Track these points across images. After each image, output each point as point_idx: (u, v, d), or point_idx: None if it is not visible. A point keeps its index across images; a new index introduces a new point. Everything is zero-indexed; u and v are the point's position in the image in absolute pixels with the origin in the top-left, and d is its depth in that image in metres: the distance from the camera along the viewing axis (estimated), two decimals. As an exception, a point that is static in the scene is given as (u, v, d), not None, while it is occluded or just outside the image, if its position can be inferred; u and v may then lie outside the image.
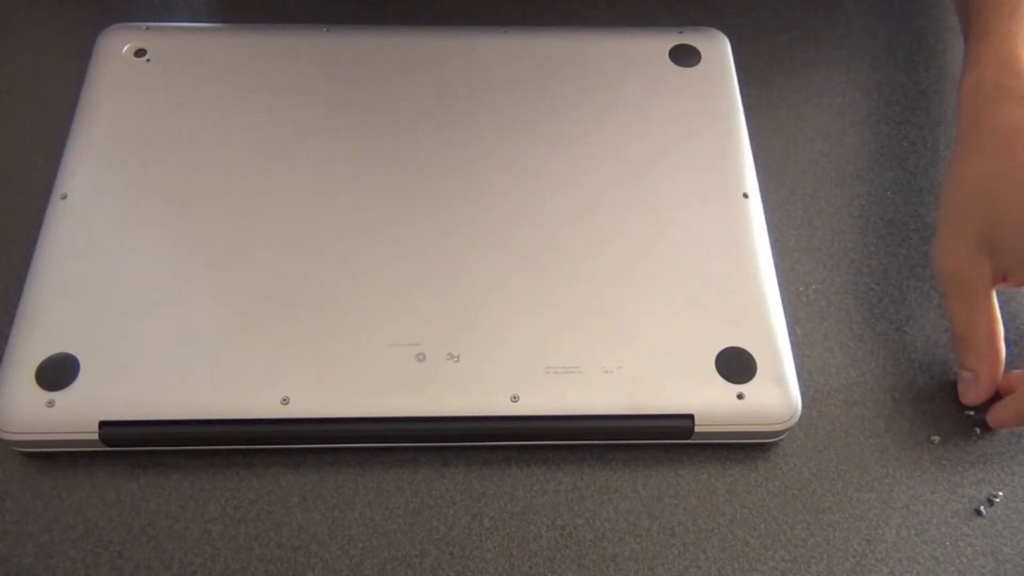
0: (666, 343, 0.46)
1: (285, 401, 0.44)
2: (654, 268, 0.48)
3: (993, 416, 0.47)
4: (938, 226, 0.48)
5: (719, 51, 0.57)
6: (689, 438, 0.46)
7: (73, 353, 0.45)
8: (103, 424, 0.44)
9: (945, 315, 0.50)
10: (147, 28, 0.56)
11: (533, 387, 0.45)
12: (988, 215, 0.46)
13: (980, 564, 0.45)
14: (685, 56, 0.57)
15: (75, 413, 0.44)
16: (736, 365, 0.46)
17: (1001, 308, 0.49)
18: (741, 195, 0.51)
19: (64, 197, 0.50)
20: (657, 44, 0.57)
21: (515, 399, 0.45)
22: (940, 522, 0.46)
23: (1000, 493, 0.46)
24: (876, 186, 0.56)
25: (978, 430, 0.48)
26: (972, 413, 0.48)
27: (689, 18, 0.61)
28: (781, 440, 0.47)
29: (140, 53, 0.55)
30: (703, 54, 0.57)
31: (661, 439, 0.46)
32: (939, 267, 0.48)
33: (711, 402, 0.45)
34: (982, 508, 0.46)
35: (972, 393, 0.47)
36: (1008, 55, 0.49)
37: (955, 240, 0.47)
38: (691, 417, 0.45)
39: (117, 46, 0.55)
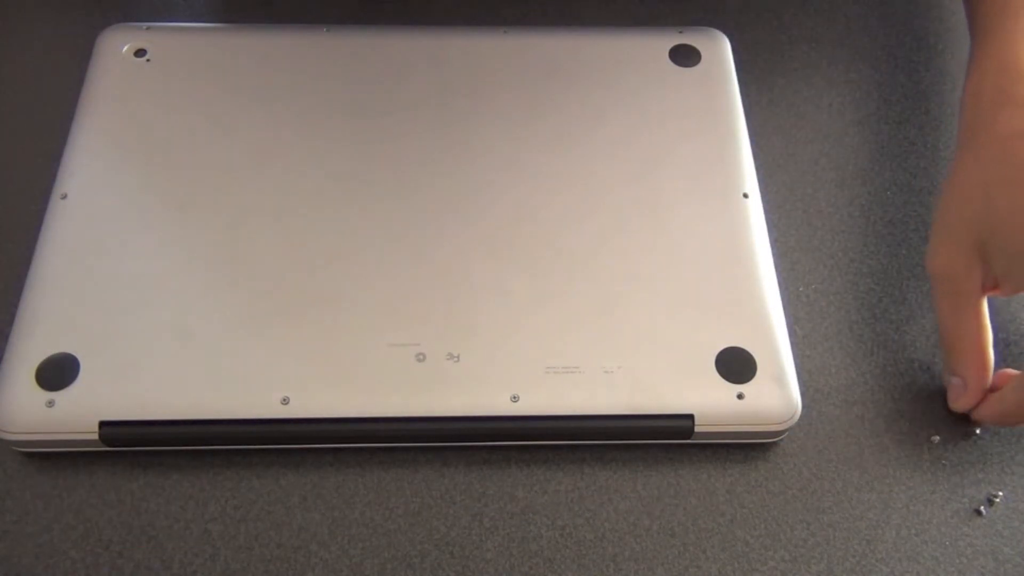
0: (666, 343, 0.46)
1: (285, 401, 0.44)
2: (654, 268, 0.48)
3: (977, 412, 0.47)
4: (932, 230, 0.48)
5: (719, 51, 0.57)
6: (689, 438, 0.46)
7: (73, 353, 0.45)
8: (103, 424, 0.44)
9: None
10: (147, 28, 0.56)
11: (533, 387, 0.45)
12: (983, 220, 0.45)
13: (980, 564, 0.45)
14: (685, 56, 0.57)
15: (75, 413, 0.44)
16: (736, 365, 0.46)
17: (1001, 310, 0.49)
18: (741, 195, 0.51)
19: (64, 197, 0.50)
20: (657, 44, 0.57)
21: (515, 399, 0.45)
22: (940, 522, 0.46)
23: (1000, 493, 0.46)
24: (876, 186, 0.56)
25: (978, 430, 0.48)
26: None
27: (689, 18, 0.61)
28: (781, 440, 0.47)
29: (140, 53, 0.55)
30: (703, 54, 0.57)
31: (661, 439, 0.46)
32: (931, 270, 0.47)
33: (711, 402, 0.45)
34: (982, 508, 0.46)
35: (962, 400, 0.47)
36: (1010, 58, 0.48)
37: (948, 244, 0.47)
38: (691, 417, 0.45)
39: (117, 46, 0.55)
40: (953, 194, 0.47)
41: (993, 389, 0.47)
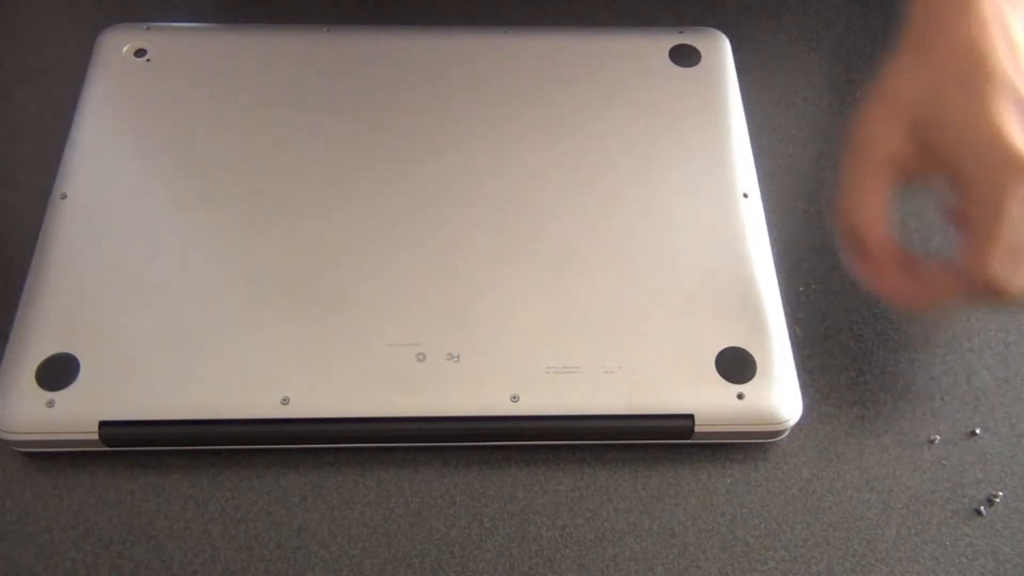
0: (666, 343, 0.46)
1: (285, 401, 0.44)
2: (654, 268, 0.48)
3: (883, 285, 0.45)
4: (866, 103, 0.46)
5: (719, 51, 0.57)
6: (689, 438, 0.46)
7: (73, 353, 0.45)
8: (103, 424, 0.44)
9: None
10: (147, 28, 0.56)
11: (533, 387, 0.45)
12: (929, 108, 0.44)
13: (980, 564, 0.45)
14: (685, 56, 0.57)
15: (75, 413, 0.44)
16: (736, 365, 0.46)
17: (1000, 311, 0.48)
18: (741, 195, 0.51)
19: (64, 197, 0.50)
20: (657, 44, 0.57)
21: (515, 399, 0.45)
22: (940, 522, 0.46)
23: (1000, 493, 0.46)
24: (876, 186, 0.56)
25: (978, 430, 0.48)
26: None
27: (689, 18, 0.61)
28: (781, 440, 0.47)
29: (140, 53, 0.55)
30: (703, 54, 0.57)
31: (661, 439, 0.46)
32: (859, 134, 0.45)
33: (711, 402, 0.45)
34: (982, 508, 0.46)
35: (865, 265, 0.45)
36: None
37: (881, 115, 0.45)
38: (691, 417, 0.45)
39: (117, 46, 0.55)
40: (899, 77, 0.45)
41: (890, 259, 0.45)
